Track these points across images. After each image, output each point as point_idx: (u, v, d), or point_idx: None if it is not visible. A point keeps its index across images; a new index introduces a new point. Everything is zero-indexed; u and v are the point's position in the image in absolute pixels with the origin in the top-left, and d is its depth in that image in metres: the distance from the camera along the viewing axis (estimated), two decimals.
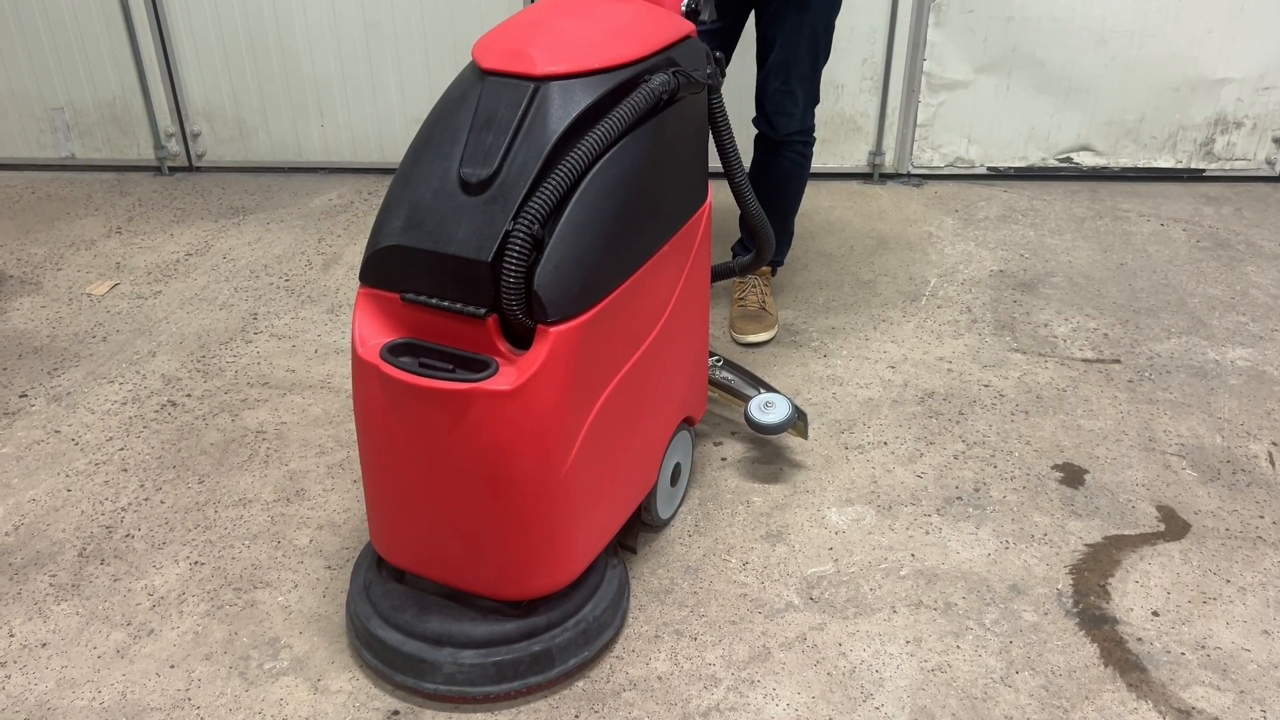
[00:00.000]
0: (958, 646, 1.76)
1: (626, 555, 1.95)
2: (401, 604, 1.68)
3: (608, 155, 1.51)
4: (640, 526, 1.98)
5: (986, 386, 2.48)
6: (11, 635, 1.83)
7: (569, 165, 1.47)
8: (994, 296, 2.90)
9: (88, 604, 1.89)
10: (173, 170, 3.90)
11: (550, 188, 1.45)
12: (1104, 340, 2.68)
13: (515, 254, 1.43)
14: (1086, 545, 1.98)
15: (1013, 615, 1.82)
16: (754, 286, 2.75)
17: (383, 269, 1.56)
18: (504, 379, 1.47)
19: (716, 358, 2.32)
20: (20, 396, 2.53)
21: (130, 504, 2.15)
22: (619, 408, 1.66)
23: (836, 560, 1.95)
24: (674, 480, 2.02)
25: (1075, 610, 1.83)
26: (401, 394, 1.52)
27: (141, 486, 2.20)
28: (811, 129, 2.56)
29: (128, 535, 2.06)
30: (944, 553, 1.97)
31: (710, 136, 1.86)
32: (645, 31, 1.68)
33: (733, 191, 1.93)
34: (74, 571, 1.97)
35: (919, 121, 3.61)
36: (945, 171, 3.70)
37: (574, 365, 1.50)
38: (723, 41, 2.44)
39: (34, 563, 1.99)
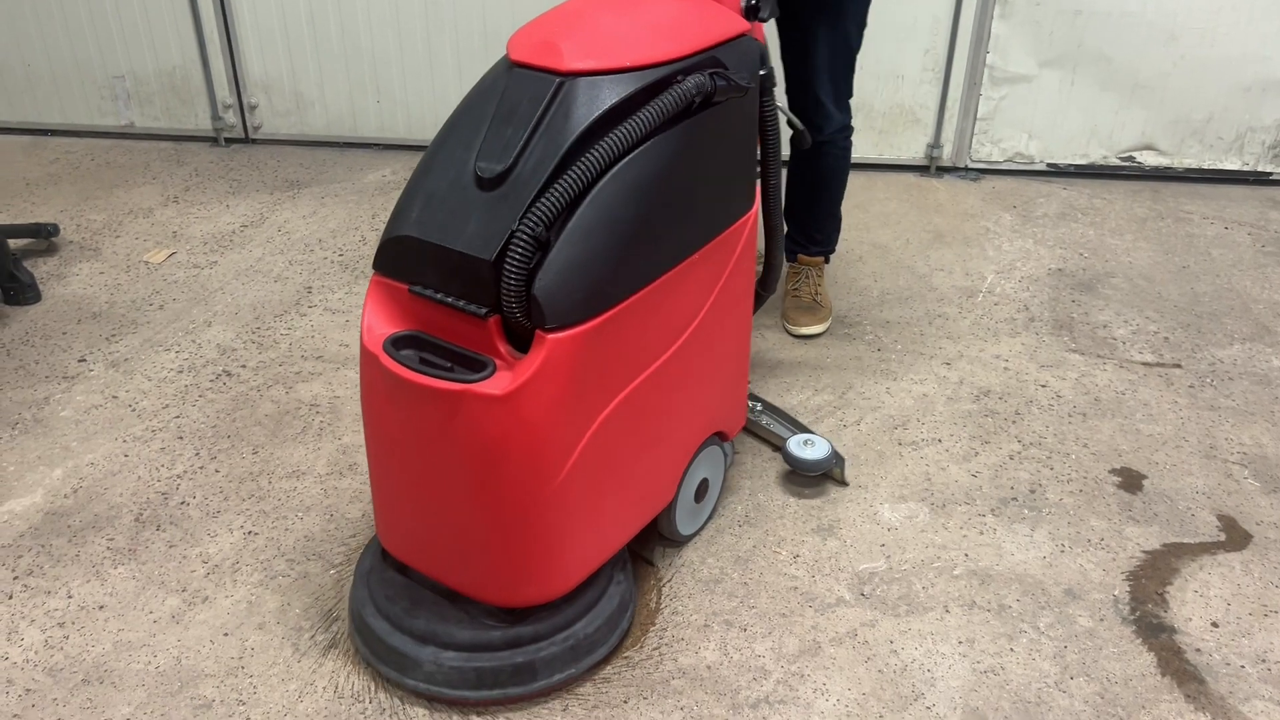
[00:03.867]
0: (1011, 649, 1.74)
1: (666, 555, 1.94)
2: (396, 595, 1.67)
3: (629, 158, 1.45)
4: (660, 540, 1.93)
5: (1044, 387, 2.45)
6: (70, 596, 1.85)
7: (584, 166, 1.41)
8: (1052, 295, 2.86)
9: (144, 569, 1.91)
10: (229, 141, 3.92)
11: (561, 188, 1.39)
12: (1164, 344, 2.63)
13: (517, 255, 1.38)
14: (1144, 552, 1.95)
15: (1068, 620, 1.79)
16: (807, 277, 2.70)
17: (395, 258, 1.53)
18: (497, 383, 1.43)
19: (756, 401, 2.26)
20: (79, 361, 2.57)
21: (186, 471, 2.17)
22: (629, 420, 1.59)
23: (889, 557, 1.93)
24: (700, 496, 1.93)
25: (1132, 618, 1.80)
26: (400, 388, 1.49)
27: (197, 455, 2.22)
28: (849, 121, 2.51)
29: (183, 502, 2.08)
30: (998, 554, 1.94)
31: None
32: (690, 29, 1.60)
33: (763, 198, 1.87)
34: (131, 536, 1.99)
35: (979, 115, 3.55)
36: (1004, 166, 3.64)
37: (572, 374, 1.45)
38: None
39: (92, 526, 2.02)
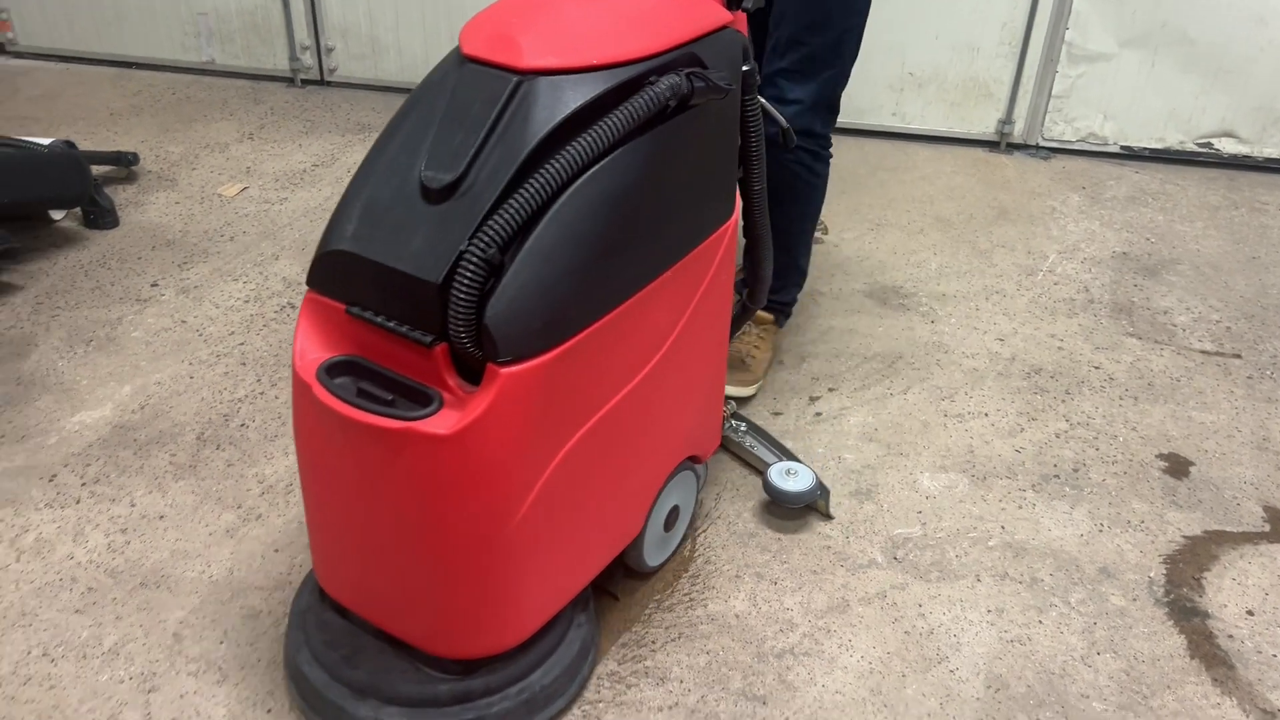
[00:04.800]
0: (1040, 621, 1.75)
1: (703, 505, 1.98)
2: (335, 641, 1.52)
3: (594, 169, 1.28)
4: (624, 572, 1.76)
5: (1097, 369, 2.43)
6: (133, 505, 1.95)
7: (544, 177, 1.24)
8: (1114, 278, 2.82)
9: (203, 484, 2.00)
10: (305, 83, 4.00)
11: (518, 203, 1.23)
12: (1226, 333, 2.58)
13: (467, 278, 1.21)
14: (1185, 537, 1.94)
15: (1100, 597, 1.80)
16: (745, 332, 2.32)
17: (330, 275, 1.35)
18: (443, 420, 1.26)
19: (740, 421, 2.10)
20: (152, 285, 2.66)
21: (247, 396, 2.25)
22: (592, 454, 1.44)
23: (924, 524, 1.95)
24: (669, 525, 1.78)
25: (1165, 600, 1.80)
26: (334, 422, 1.32)
27: (258, 381, 2.30)
28: (820, 138, 2.14)
29: (243, 425, 2.16)
30: (1035, 528, 1.94)
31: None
32: (665, 22, 1.42)
33: (743, 207, 1.69)
34: (192, 453, 2.08)
35: (1054, 93, 3.49)
36: (1076, 146, 3.58)
37: (528, 411, 1.29)
38: (757, 23, 2.09)
39: (156, 441, 2.11)
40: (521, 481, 1.33)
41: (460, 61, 1.37)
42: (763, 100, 1.64)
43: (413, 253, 1.26)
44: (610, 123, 1.28)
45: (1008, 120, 3.55)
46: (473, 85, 1.33)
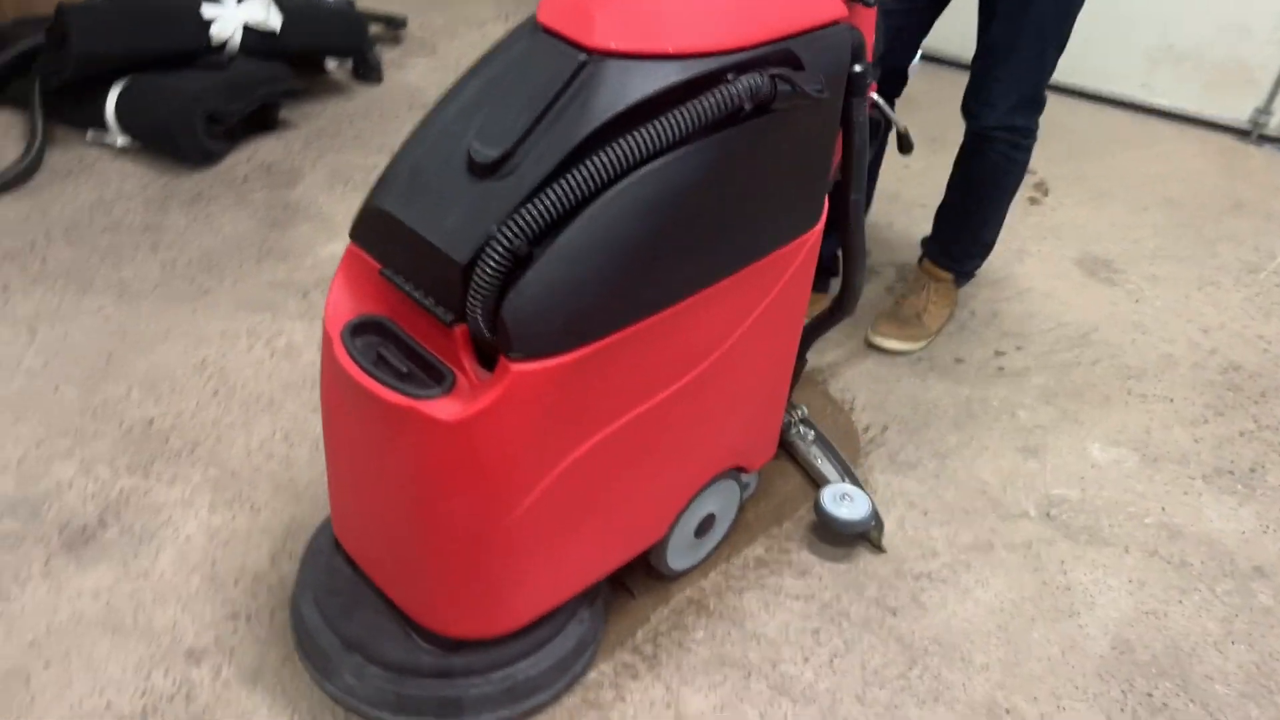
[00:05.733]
0: (1180, 601, 1.79)
1: (869, 430, 2.07)
2: (337, 588, 1.52)
3: (648, 168, 1.18)
4: (646, 570, 1.69)
5: None
6: None
7: (591, 169, 1.15)
8: None
9: None
10: None
11: (557, 194, 1.15)
12: None
13: (490, 266, 1.15)
14: None
15: (1248, 592, 1.82)
16: (921, 288, 2.36)
17: (371, 231, 1.32)
18: (449, 405, 1.22)
19: (810, 428, 1.98)
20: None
21: None
22: (609, 460, 1.36)
23: (1084, 490, 2.00)
24: (701, 531, 1.70)
25: None
26: (348, 383, 1.29)
27: None
28: (1024, 129, 2.11)
29: None
30: (1196, 515, 1.96)
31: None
32: (764, 11, 1.28)
33: (832, 210, 1.56)
34: None
35: None
36: None
37: (537, 410, 1.23)
38: (919, 19, 2.08)
39: None
40: (523, 479, 1.28)
41: (534, 28, 1.28)
42: (880, 102, 1.55)
43: (447, 227, 1.20)
44: (671, 120, 1.17)
45: (1266, 110, 3.36)
46: (539, 57, 1.24)
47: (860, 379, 2.22)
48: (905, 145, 1.67)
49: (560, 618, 1.52)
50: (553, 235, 1.16)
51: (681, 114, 1.17)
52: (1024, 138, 2.12)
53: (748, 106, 1.21)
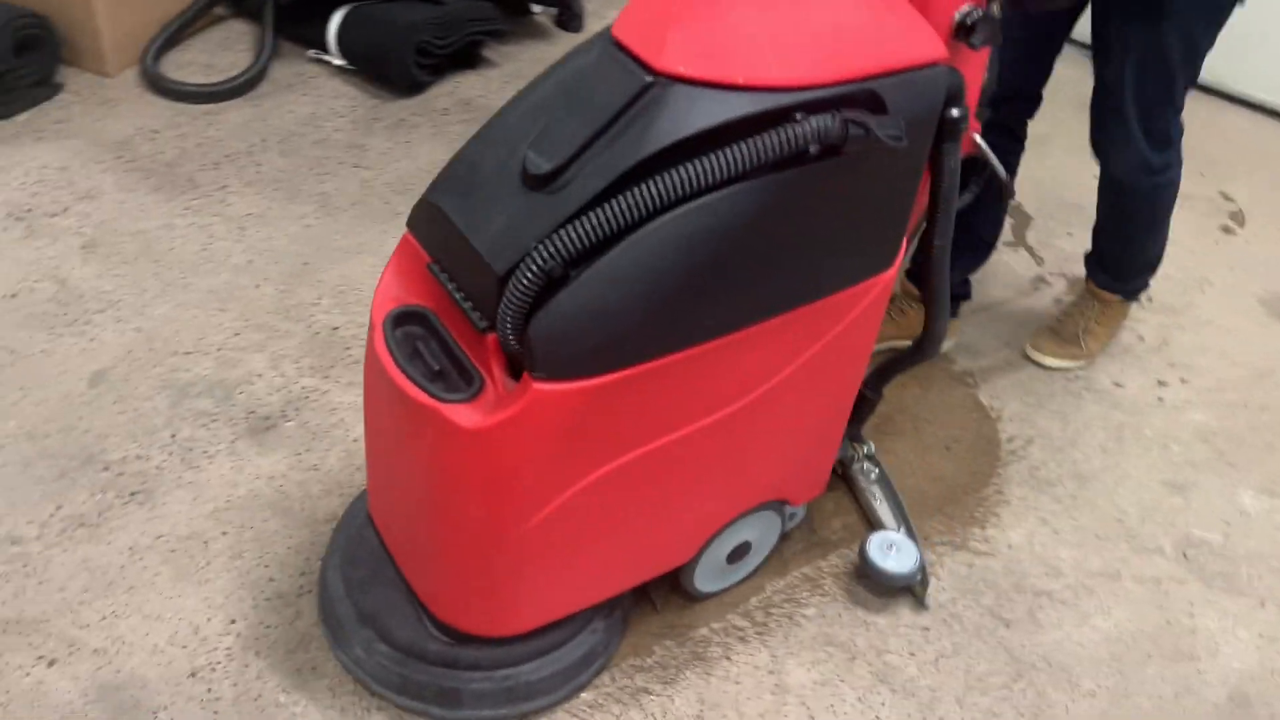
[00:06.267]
0: None
1: (1011, 442, 2.07)
2: (361, 559, 1.57)
3: (698, 202, 1.14)
4: (674, 587, 1.69)
5: None
6: None
7: (639, 196, 1.12)
8: None
9: None
10: None
11: (601, 217, 1.13)
12: None
13: (521, 285, 1.14)
14: None
15: None
16: (1085, 309, 2.26)
17: (425, 223, 1.33)
18: (471, 411, 1.22)
19: (874, 466, 1.91)
20: None
21: None
22: (631, 483, 1.36)
23: (1228, 536, 1.95)
24: (735, 558, 1.68)
25: None
26: (382, 371, 1.30)
27: None
28: (1159, 166, 1.96)
29: None
30: None
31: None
32: (851, 46, 1.21)
33: (918, 252, 1.50)
34: None
35: None
36: None
37: (557, 430, 1.23)
38: (1038, 49, 1.92)
39: None
40: (537, 494, 1.29)
41: (608, 40, 1.24)
42: (984, 147, 1.47)
43: (492, 233, 1.20)
44: (727, 157, 1.12)
45: None
46: (606, 72, 1.21)
47: (1012, 389, 2.21)
48: (1003, 194, 1.60)
49: (572, 626, 1.53)
50: (591, 259, 1.15)
51: (738, 150, 1.13)
52: (1160, 173, 1.98)
53: (813, 149, 1.16)
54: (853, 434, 1.86)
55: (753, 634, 1.69)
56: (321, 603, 1.59)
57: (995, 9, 1.32)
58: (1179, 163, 2.01)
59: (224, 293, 2.22)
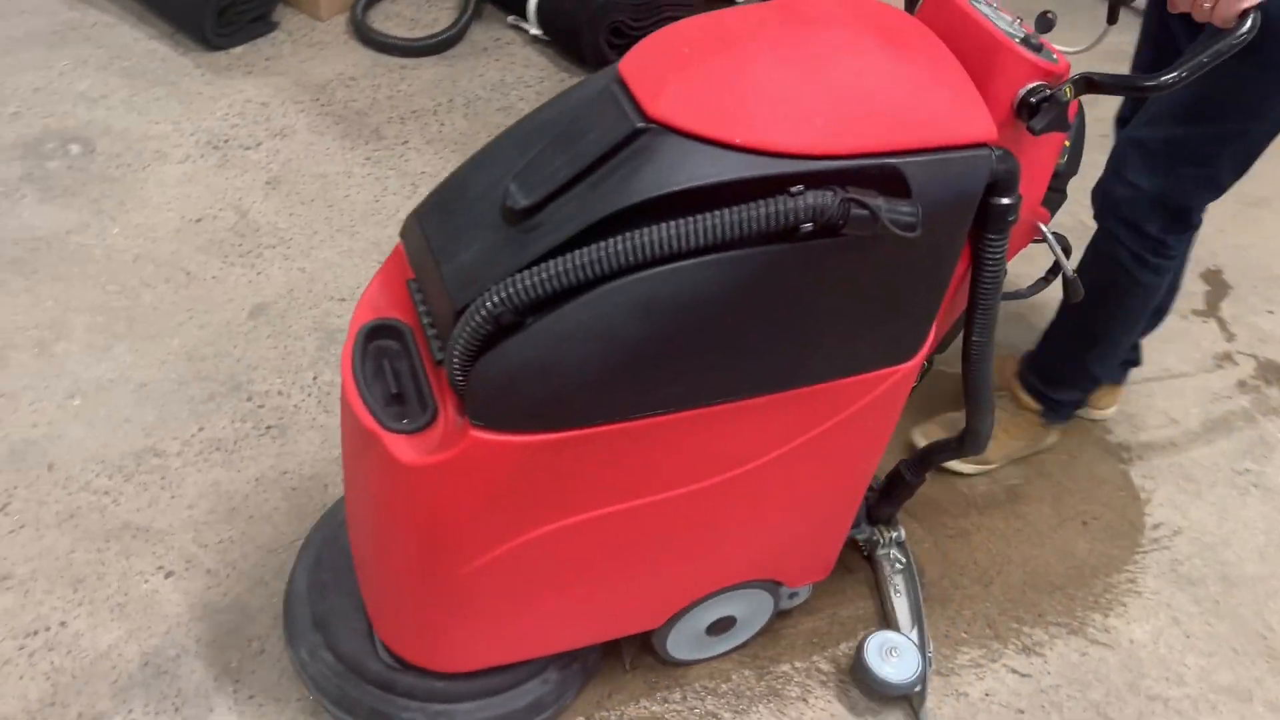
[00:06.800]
0: None
1: (1157, 528, 1.92)
2: (327, 562, 1.55)
3: (671, 266, 1.04)
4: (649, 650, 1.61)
5: None
6: None
7: (602, 253, 1.02)
8: None
9: None
10: None
11: (563, 268, 1.03)
12: None
13: (469, 327, 1.06)
14: None
15: None
16: (1003, 407, 1.95)
17: (411, 237, 1.26)
18: (410, 446, 1.15)
19: (901, 557, 1.76)
20: None
21: None
22: (586, 544, 1.28)
23: None
24: (717, 630, 1.59)
25: None
26: (345, 384, 1.25)
27: None
28: (1151, 240, 1.67)
29: None
30: None
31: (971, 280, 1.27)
32: (879, 119, 1.09)
33: (964, 355, 1.34)
34: None
35: None
36: None
37: (495, 480, 1.16)
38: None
39: None
40: (474, 541, 1.23)
41: (613, 75, 1.16)
42: (1049, 237, 1.31)
43: (460, 262, 1.13)
44: (705, 224, 1.02)
45: None
46: (603, 109, 1.13)
47: (1168, 471, 2.05)
48: (1070, 293, 1.38)
49: (521, 673, 1.48)
50: (548, 308, 1.06)
51: (716, 220, 1.02)
52: (1153, 254, 1.70)
53: (805, 227, 1.04)
54: (884, 517, 1.73)
55: (835, 680, 1.64)
56: (286, 597, 1.57)
57: (1068, 91, 1.16)
58: (1169, 263, 1.74)
59: (386, 246, 2.30)
